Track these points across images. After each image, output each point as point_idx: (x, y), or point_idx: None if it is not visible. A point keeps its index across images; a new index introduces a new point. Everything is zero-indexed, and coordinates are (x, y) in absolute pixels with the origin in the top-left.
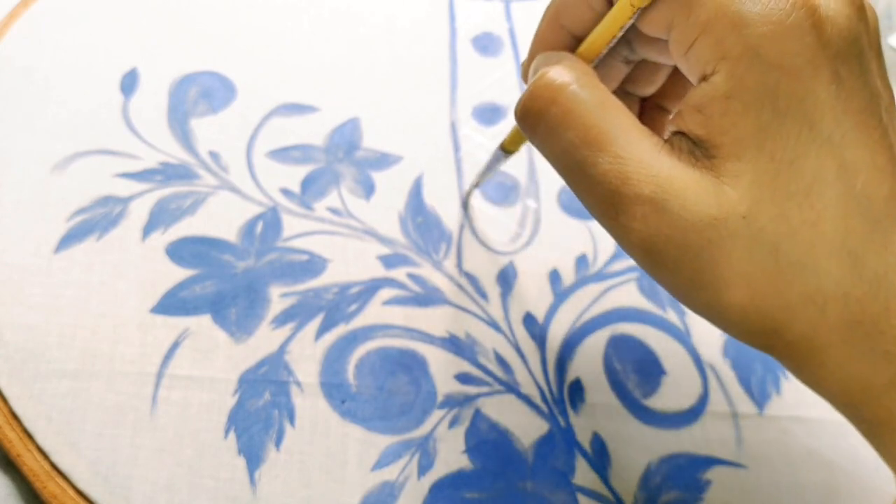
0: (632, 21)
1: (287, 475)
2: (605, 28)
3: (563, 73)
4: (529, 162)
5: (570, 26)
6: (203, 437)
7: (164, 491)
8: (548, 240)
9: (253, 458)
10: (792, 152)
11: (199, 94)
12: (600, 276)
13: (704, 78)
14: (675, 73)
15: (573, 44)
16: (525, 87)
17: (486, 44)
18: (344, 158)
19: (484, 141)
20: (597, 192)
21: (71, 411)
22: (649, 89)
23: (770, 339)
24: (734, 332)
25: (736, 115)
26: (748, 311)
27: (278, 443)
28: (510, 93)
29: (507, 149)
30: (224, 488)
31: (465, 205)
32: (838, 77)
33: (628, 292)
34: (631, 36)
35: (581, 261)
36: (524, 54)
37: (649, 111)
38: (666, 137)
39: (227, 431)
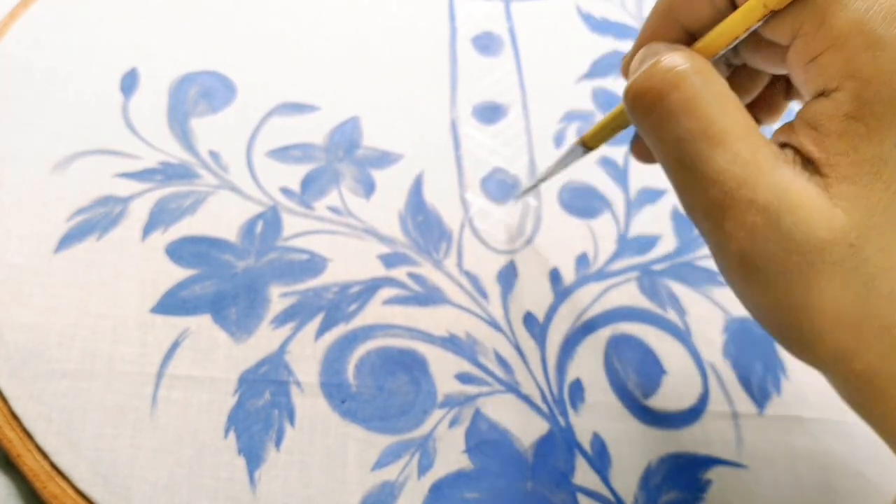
0: (760, 23)
1: (287, 475)
2: (730, 26)
3: (684, 61)
4: (530, 161)
5: (687, 21)
6: (203, 437)
7: (164, 491)
8: (548, 239)
9: (253, 457)
10: None
11: (199, 93)
12: (601, 276)
13: (824, 93)
14: (770, 86)
15: (685, 40)
16: (626, 79)
17: (486, 43)
18: (344, 157)
19: (484, 139)
20: (707, 191)
21: (71, 411)
22: (745, 100)
23: (837, 364)
24: (798, 350)
25: (857, 137)
26: (825, 335)
27: (278, 443)
28: (510, 92)
29: (587, 144)
30: (224, 488)
31: (523, 194)
32: None
33: (629, 292)
34: (744, 38)
35: (581, 260)
36: (524, 54)
37: None
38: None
39: (227, 431)
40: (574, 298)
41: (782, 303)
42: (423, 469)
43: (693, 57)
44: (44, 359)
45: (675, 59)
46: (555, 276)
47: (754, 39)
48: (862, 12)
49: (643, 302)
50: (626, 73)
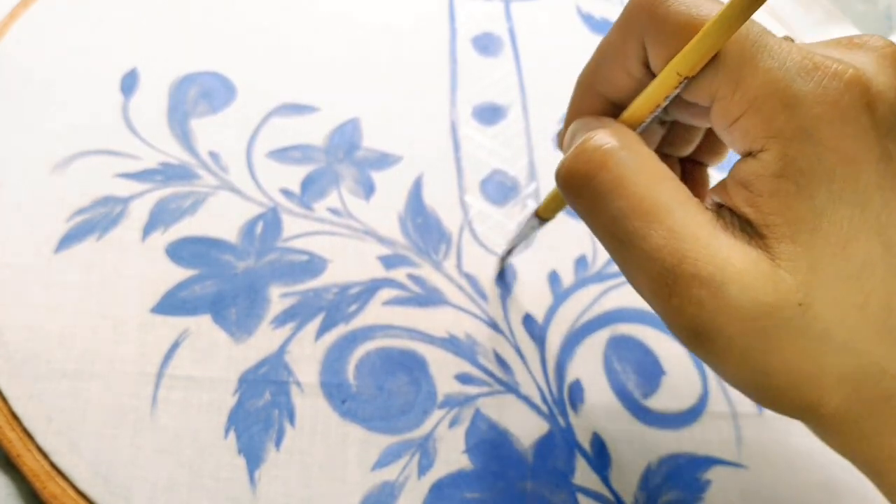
0: (678, 91)
1: (287, 475)
2: (650, 96)
3: (611, 138)
4: (529, 163)
5: (607, 93)
6: (203, 437)
7: (164, 491)
8: (547, 241)
9: (253, 457)
10: (845, 236)
11: (199, 94)
12: (600, 277)
13: (751, 154)
14: (710, 132)
15: (610, 111)
16: (561, 153)
17: (486, 44)
18: (344, 159)
19: (484, 141)
20: (648, 269)
21: (71, 411)
22: (686, 150)
23: (805, 413)
24: (767, 405)
25: (789, 196)
26: (788, 392)
27: (278, 443)
28: (510, 92)
29: (542, 216)
30: (224, 488)
31: (501, 273)
32: (887, 155)
33: (628, 293)
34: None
35: (580, 262)
36: (524, 54)
37: (687, 167)
38: (708, 205)
39: (227, 431)
40: (573, 300)
41: (741, 368)
42: (424, 469)
43: (619, 131)
44: (44, 359)
45: (602, 138)
46: (554, 277)
47: (679, 101)
48: (775, 70)
49: (642, 303)
50: (561, 147)
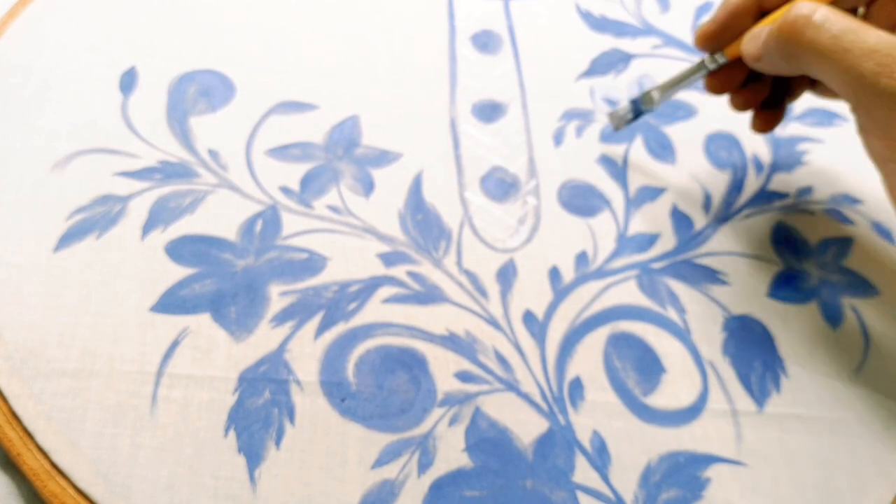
0: None
1: (287, 473)
2: None
3: (808, 3)
4: (529, 160)
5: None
6: (203, 436)
7: (165, 490)
8: (548, 237)
9: (253, 456)
10: None
11: (199, 92)
12: (600, 274)
13: None
14: (772, 92)
15: (758, 16)
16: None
17: (485, 41)
18: (343, 156)
19: (483, 138)
20: (872, 57)
21: (71, 410)
22: (757, 98)
23: None
24: None
25: None
26: None
27: (278, 441)
28: (509, 90)
29: (727, 55)
30: (224, 487)
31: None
32: None
33: (628, 290)
34: None
35: (581, 258)
36: (523, 52)
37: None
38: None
39: (227, 430)
40: (573, 297)
41: None
42: (423, 467)
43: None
44: (44, 358)
45: (804, 3)
46: (554, 274)
47: None
48: None
49: (642, 300)
50: (699, 44)
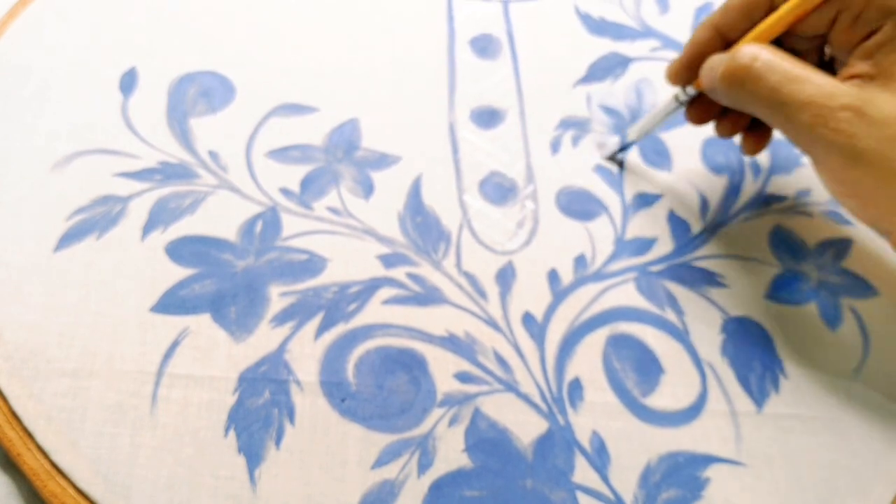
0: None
1: (287, 473)
2: (776, 22)
3: (752, 47)
4: (527, 166)
5: (728, 33)
6: (203, 436)
7: (165, 489)
8: (546, 240)
9: (253, 456)
10: None
11: (199, 93)
12: (599, 276)
13: (869, 36)
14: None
15: (723, 47)
16: (670, 86)
17: (484, 45)
18: (343, 158)
19: (482, 144)
20: (807, 109)
21: (71, 410)
22: (738, 126)
23: None
24: None
25: None
26: None
27: (278, 441)
28: (508, 96)
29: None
30: (224, 487)
31: (620, 150)
32: None
33: (626, 292)
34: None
35: (579, 261)
36: (522, 57)
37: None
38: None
39: (227, 430)
40: (572, 298)
41: (887, 172)
42: (423, 467)
43: (755, 45)
44: (44, 358)
45: (747, 47)
46: (553, 276)
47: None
48: None
49: (641, 302)
50: (672, 79)
